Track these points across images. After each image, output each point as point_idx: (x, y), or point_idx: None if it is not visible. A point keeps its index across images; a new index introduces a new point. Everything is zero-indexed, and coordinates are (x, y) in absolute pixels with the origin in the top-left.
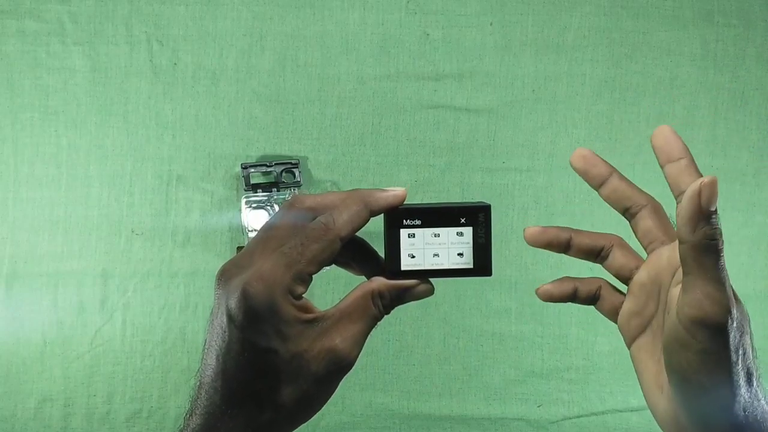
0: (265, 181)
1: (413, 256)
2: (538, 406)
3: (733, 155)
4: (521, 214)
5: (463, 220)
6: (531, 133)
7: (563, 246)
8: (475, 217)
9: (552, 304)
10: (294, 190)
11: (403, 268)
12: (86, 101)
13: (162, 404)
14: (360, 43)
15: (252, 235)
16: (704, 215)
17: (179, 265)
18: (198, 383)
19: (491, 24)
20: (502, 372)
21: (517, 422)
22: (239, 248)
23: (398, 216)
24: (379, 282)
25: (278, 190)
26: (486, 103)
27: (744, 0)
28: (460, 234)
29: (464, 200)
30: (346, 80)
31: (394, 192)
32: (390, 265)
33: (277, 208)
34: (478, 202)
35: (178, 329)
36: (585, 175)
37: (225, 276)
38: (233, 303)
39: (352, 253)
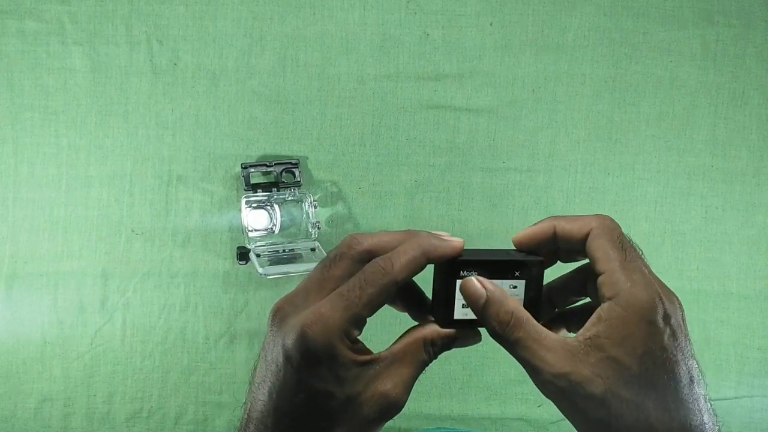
0: (265, 181)
1: (466, 306)
2: (538, 406)
3: (733, 155)
4: (521, 214)
5: (517, 273)
6: (531, 133)
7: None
8: (529, 270)
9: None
10: (294, 190)
11: (456, 317)
12: (86, 101)
13: (162, 404)
14: (360, 43)
15: (252, 235)
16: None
17: (179, 265)
18: (245, 416)
19: (491, 24)
20: (502, 372)
21: (517, 422)
22: (239, 248)
23: (455, 267)
24: (432, 330)
25: (278, 190)
26: (486, 103)
27: (744, 0)
28: (514, 287)
29: (465, 202)
30: (346, 80)
31: (452, 244)
32: (443, 313)
33: (277, 207)
34: (532, 255)
35: (178, 329)
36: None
37: (280, 314)
38: (290, 343)
39: (400, 292)
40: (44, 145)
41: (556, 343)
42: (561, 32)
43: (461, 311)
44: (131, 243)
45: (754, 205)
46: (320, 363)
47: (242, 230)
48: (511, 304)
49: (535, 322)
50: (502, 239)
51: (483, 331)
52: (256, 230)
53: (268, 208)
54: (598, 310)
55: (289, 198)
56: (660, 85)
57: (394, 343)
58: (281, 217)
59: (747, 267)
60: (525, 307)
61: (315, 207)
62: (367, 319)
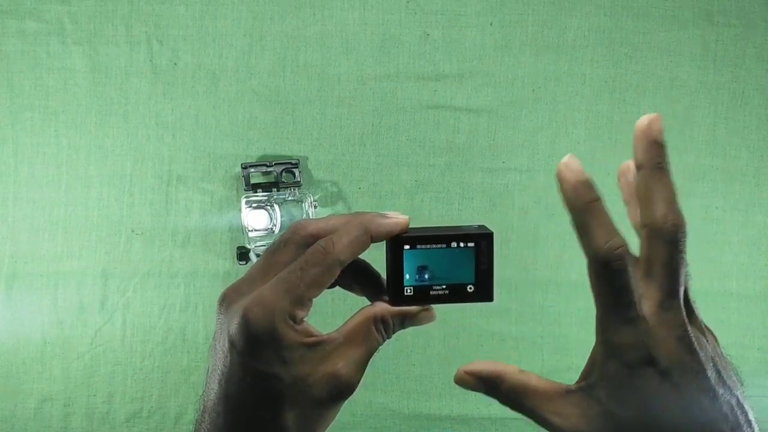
0: (265, 181)
1: (418, 281)
2: None
3: (733, 155)
4: (521, 214)
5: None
6: (531, 133)
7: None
8: (478, 244)
9: (552, 304)
10: (294, 190)
11: (405, 293)
12: (86, 101)
13: (162, 404)
14: (360, 43)
15: (252, 235)
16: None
17: (179, 265)
18: (202, 407)
19: (491, 24)
20: None
21: (517, 422)
22: (239, 248)
23: (401, 243)
24: (382, 308)
25: (278, 190)
26: (486, 103)
27: (744, 0)
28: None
29: (465, 202)
30: (346, 80)
31: (396, 220)
32: (392, 290)
33: (277, 207)
34: (481, 228)
35: (178, 329)
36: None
37: (226, 301)
38: (234, 329)
39: (355, 275)
40: (44, 145)
41: (564, 400)
42: (561, 32)
43: (411, 287)
44: (131, 243)
45: (754, 205)
46: (263, 345)
47: (242, 230)
48: (522, 377)
49: (537, 380)
50: (502, 239)
51: (438, 309)
52: (256, 230)
53: (268, 208)
54: (593, 352)
55: (289, 198)
56: (660, 85)
57: (344, 324)
58: (281, 217)
59: (747, 267)
60: (476, 282)
61: (315, 207)
62: (314, 300)
